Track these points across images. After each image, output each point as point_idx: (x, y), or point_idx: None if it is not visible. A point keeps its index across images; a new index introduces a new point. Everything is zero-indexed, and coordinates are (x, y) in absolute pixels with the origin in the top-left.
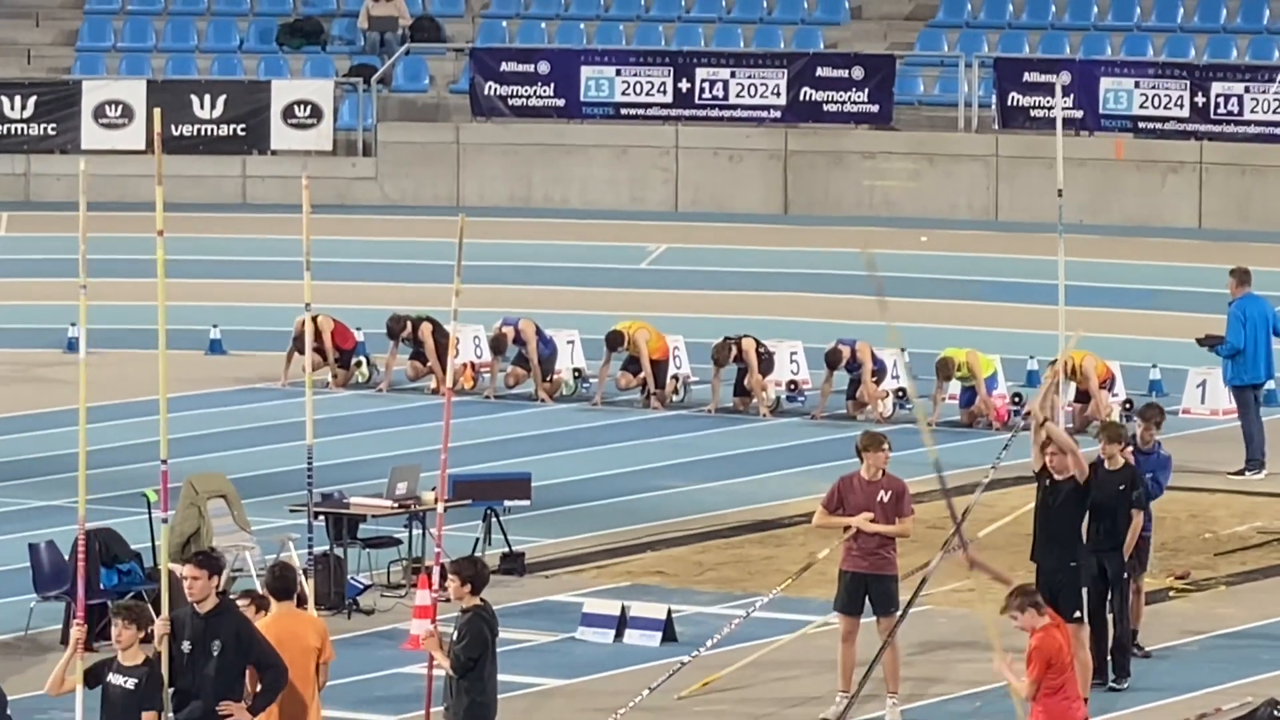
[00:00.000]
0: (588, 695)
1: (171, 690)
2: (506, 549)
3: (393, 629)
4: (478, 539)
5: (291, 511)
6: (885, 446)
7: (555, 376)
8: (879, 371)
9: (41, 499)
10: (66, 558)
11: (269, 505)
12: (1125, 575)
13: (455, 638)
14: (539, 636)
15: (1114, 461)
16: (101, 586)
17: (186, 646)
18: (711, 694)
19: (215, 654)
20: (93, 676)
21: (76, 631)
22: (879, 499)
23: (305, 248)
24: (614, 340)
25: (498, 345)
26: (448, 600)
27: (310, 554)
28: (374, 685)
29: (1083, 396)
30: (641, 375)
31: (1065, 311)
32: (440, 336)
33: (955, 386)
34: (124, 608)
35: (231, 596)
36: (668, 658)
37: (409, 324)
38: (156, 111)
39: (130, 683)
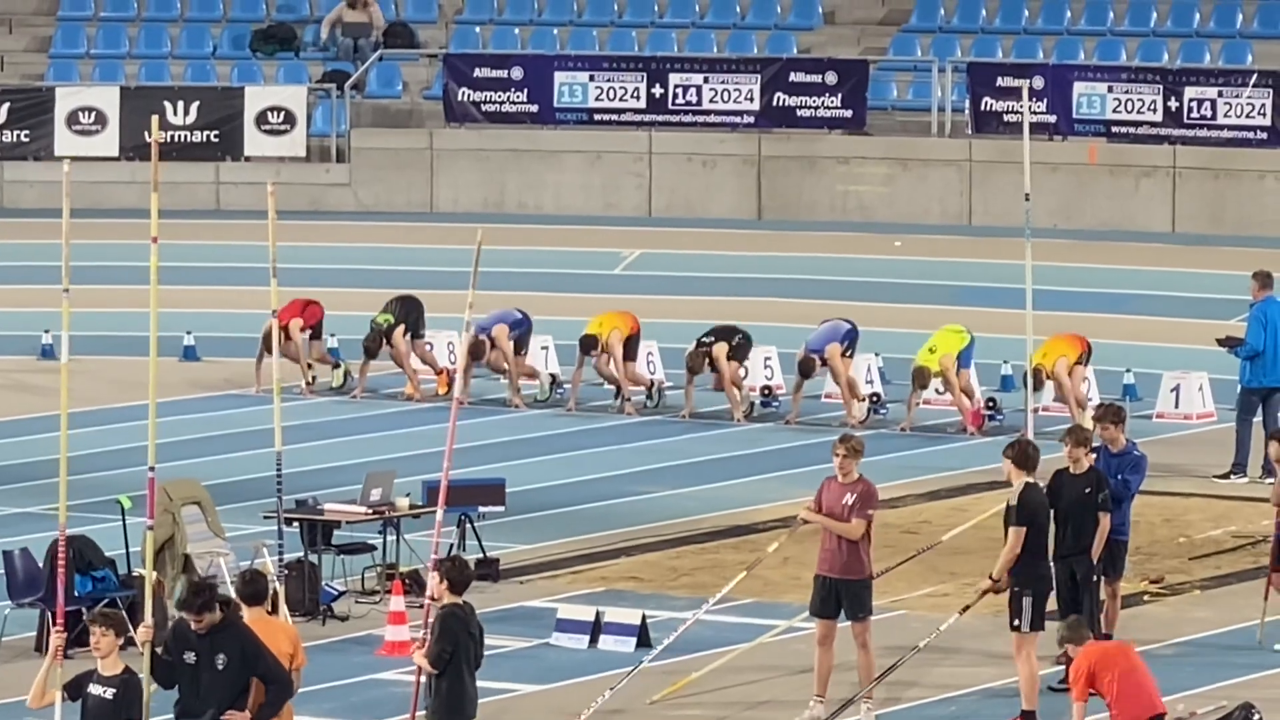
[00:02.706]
0: (562, 700)
1: (175, 702)
2: (481, 554)
3: (368, 635)
4: (452, 544)
5: (265, 518)
6: (840, 451)
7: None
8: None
9: (15, 506)
10: (40, 564)
11: (243, 512)
12: (1095, 578)
13: (431, 636)
14: (513, 642)
15: (1079, 465)
16: (76, 593)
17: (191, 658)
18: (684, 699)
19: (220, 667)
20: (74, 688)
21: (55, 639)
22: (844, 501)
23: (272, 254)
24: (587, 344)
25: (475, 351)
26: (435, 599)
27: (282, 560)
28: (349, 691)
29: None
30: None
31: (1034, 316)
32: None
33: (931, 394)
34: (102, 615)
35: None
36: (639, 664)
37: (383, 339)
38: (154, 119)
39: (109, 693)
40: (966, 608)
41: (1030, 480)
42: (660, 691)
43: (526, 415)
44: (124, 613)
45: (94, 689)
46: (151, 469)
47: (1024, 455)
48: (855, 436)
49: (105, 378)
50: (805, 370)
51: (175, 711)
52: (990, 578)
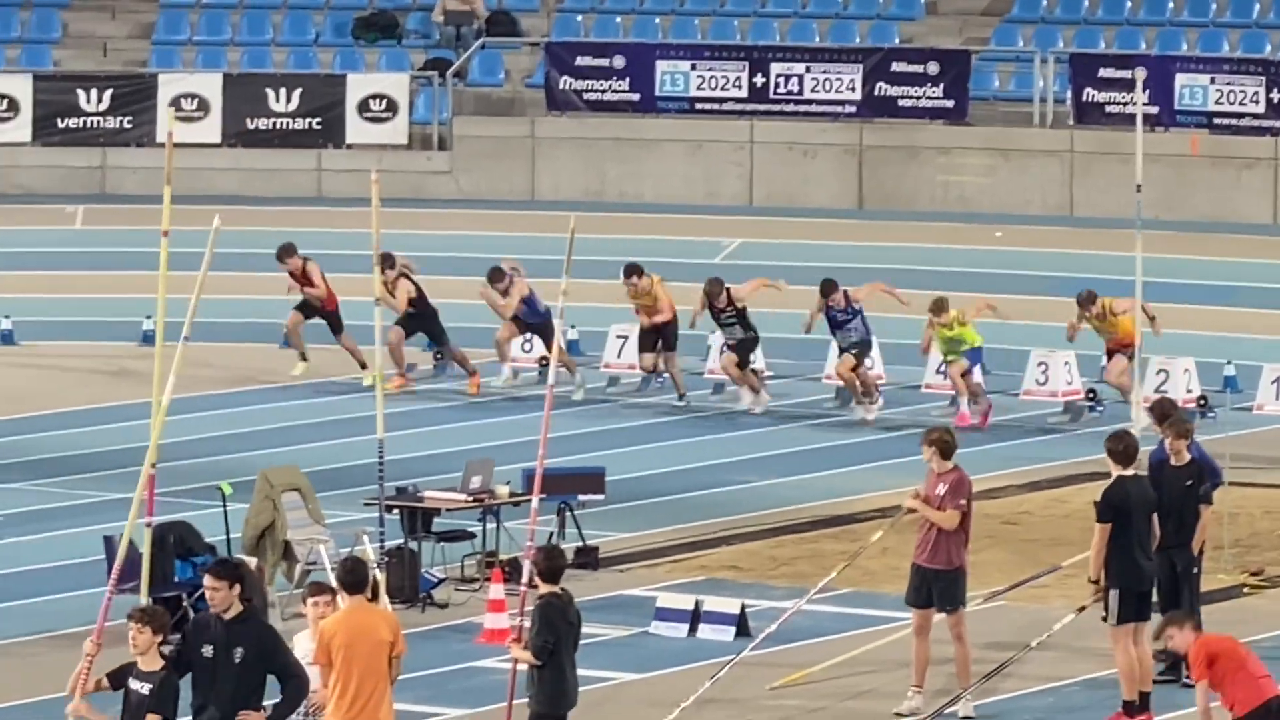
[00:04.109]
0: (661, 689)
1: (192, 695)
2: (580, 543)
3: (467, 623)
4: (551, 533)
5: (366, 505)
6: (923, 443)
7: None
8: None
9: (117, 491)
10: (140, 550)
11: (343, 499)
12: (1195, 571)
13: (531, 627)
14: (613, 631)
15: (1180, 457)
16: (176, 579)
17: (209, 651)
18: (784, 689)
19: (237, 661)
20: (116, 679)
21: (89, 646)
22: (937, 490)
23: (375, 242)
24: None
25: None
26: (534, 586)
27: (382, 547)
28: (447, 679)
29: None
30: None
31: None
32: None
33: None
34: (140, 611)
35: (300, 590)
36: (740, 653)
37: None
38: (170, 111)
39: (146, 688)
40: (1083, 608)
41: (1125, 474)
42: (774, 680)
43: (627, 405)
44: (163, 610)
45: (133, 683)
46: (153, 466)
47: (1117, 449)
48: (939, 429)
49: (205, 364)
50: (825, 290)
51: (193, 706)
52: (1090, 579)
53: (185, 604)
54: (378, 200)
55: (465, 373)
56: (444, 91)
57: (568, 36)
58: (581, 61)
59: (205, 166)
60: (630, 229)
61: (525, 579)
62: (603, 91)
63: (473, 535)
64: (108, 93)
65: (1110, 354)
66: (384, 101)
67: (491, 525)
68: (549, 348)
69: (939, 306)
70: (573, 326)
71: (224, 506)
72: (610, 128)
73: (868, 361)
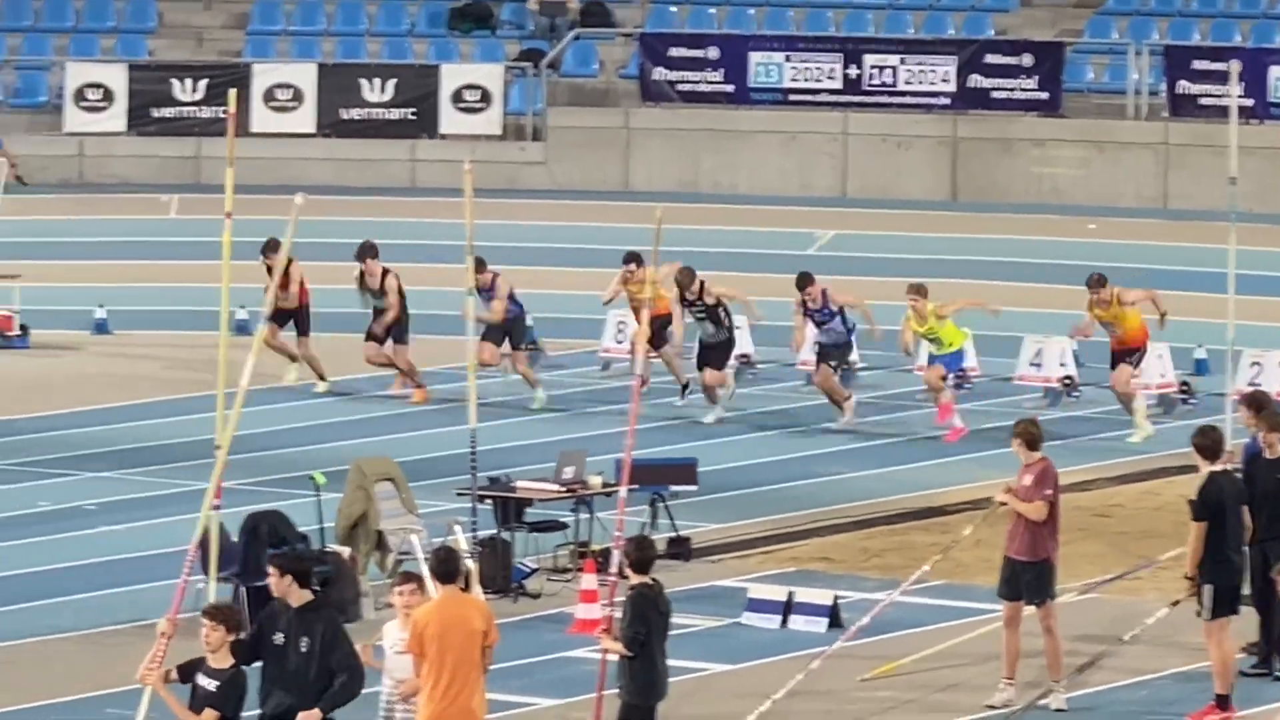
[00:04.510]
0: (752, 680)
1: (260, 683)
2: (673, 534)
3: (559, 613)
4: (644, 524)
5: (459, 495)
6: (1013, 434)
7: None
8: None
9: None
10: (236, 539)
11: (436, 488)
12: None
13: (622, 618)
14: (704, 621)
15: (1273, 450)
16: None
17: (279, 639)
18: (876, 681)
19: (303, 650)
20: (185, 672)
21: (164, 625)
22: (1024, 481)
23: (468, 232)
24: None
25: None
26: (625, 577)
27: (475, 537)
28: (540, 669)
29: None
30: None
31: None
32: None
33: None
34: (213, 609)
35: (391, 579)
36: (833, 644)
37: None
38: (232, 93)
39: (213, 685)
40: (1176, 602)
41: (1215, 469)
42: (866, 672)
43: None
44: (237, 608)
45: (201, 679)
46: (217, 446)
47: (1205, 444)
48: (1025, 421)
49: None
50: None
51: (260, 692)
52: (1185, 576)
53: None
54: (471, 191)
55: (413, 384)
56: (538, 82)
57: (662, 28)
58: (675, 52)
59: (299, 156)
60: (723, 220)
61: (615, 569)
62: (696, 83)
63: (565, 526)
64: (202, 83)
65: (1115, 356)
66: (478, 92)
67: (584, 516)
68: (515, 346)
69: (918, 289)
70: None
71: (317, 496)
72: (704, 119)
73: (853, 360)
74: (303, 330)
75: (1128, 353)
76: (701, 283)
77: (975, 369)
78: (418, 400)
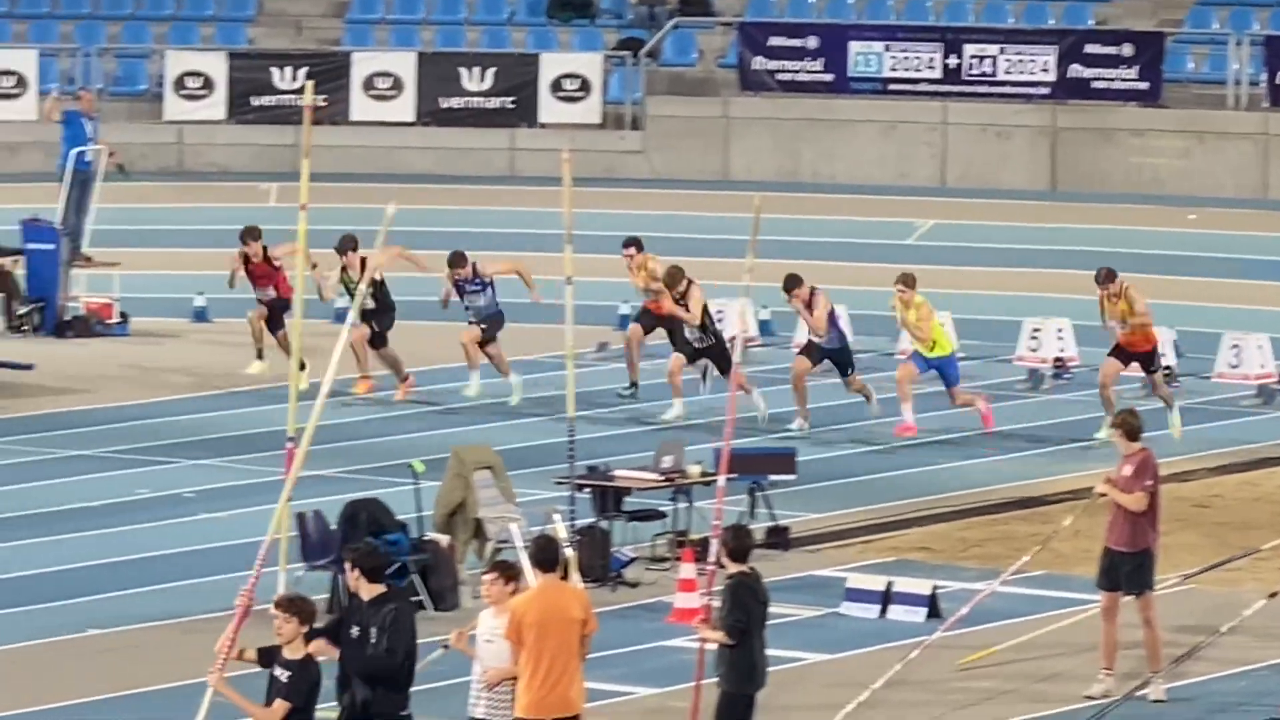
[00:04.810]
0: (851, 670)
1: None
2: (771, 523)
3: (657, 602)
4: (742, 513)
5: (557, 484)
6: (1112, 425)
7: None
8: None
9: (308, 469)
10: (334, 527)
11: (535, 477)
12: None
13: (721, 607)
14: (803, 611)
15: None
16: None
17: (355, 632)
18: (975, 671)
19: (373, 642)
20: (265, 656)
21: (242, 600)
22: (1123, 471)
23: (567, 221)
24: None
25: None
26: (722, 566)
27: (573, 526)
28: (638, 658)
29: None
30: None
31: None
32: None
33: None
34: (285, 600)
35: (480, 570)
36: (932, 634)
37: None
38: (309, 84)
39: (285, 675)
40: (1275, 594)
41: None
42: (963, 658)
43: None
44: (309, 600)
45: (275, 669)
46: (291, 439)
47: None
48: (1124, 411)
49: (401, 341)
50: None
51: (337, 683)
52: None
53: (412, 573)
54: (570, 180)
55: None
56: (637, 71)
57: (762, 17)
58: (775, 42)
59: (399, 145)
60: (823, 210)
61: (713, 558)
62: (796, 72)
63: (664, 515)
64: (302, 71)
65: (1125, 356)
66: (578, 81)
67: (683, 505)
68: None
69: (907, 280)
70: (764, 307)
71: (416, 484)
72: (803, 108)
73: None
74: (278, 323)
75: (1136, 350)
76: (689, 281)
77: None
78: (360, 391)
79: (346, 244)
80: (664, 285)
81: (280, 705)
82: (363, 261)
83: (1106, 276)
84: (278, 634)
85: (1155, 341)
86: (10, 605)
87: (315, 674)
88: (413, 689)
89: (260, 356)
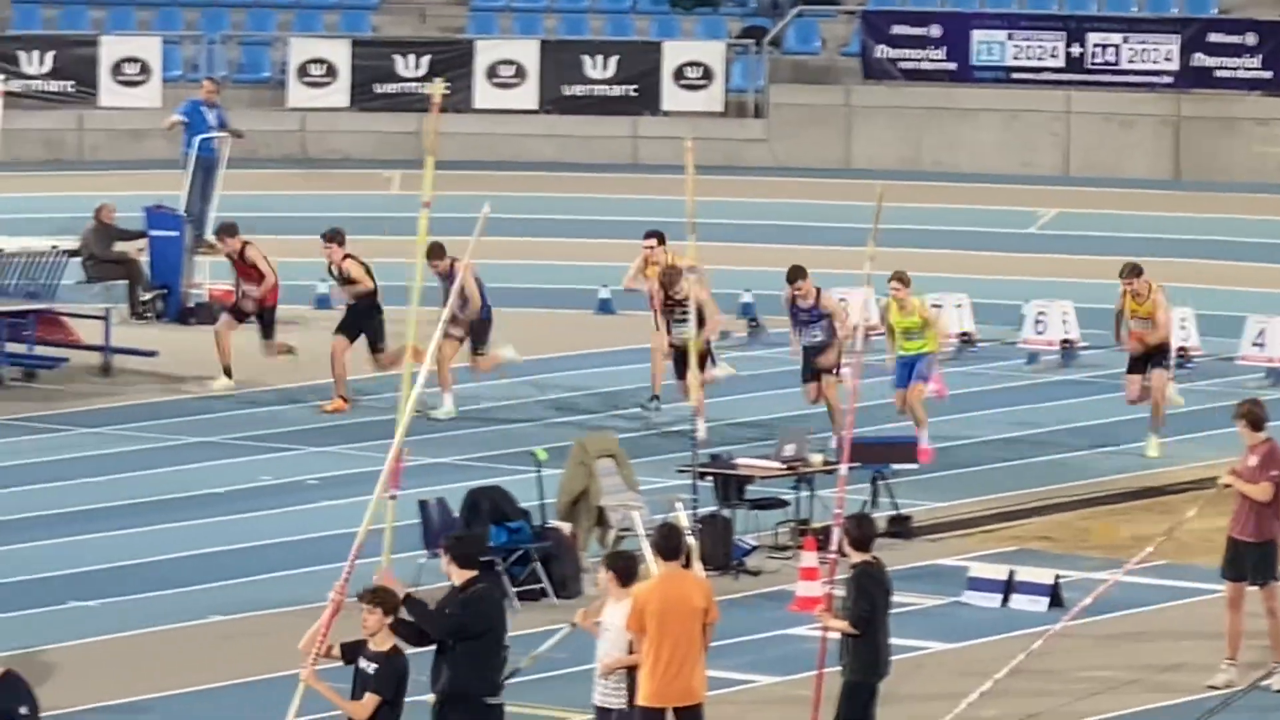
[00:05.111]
0: (974, 659)
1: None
2: (893, 512)
3: (780, 590)
4: (864, 502)
5: (679, 472)
6: (1237, 415)
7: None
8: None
9: (431, 456)
10: (456, 514)
11: (657, 466)
12: None
13: (846, 596)
14: (925, 600)
15: None
16: (491, 544)
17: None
18: (1097, 660)
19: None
20: (349, 652)
21: (336, 594)
22: (1249, 462)
23: (689, 209)
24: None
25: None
26: (844, 555)
27: (695, 514)
28: (761, 646)
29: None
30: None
31: None
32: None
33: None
34: (369, 592)
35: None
36: (1055, 623)
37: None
38: (437, 82)
39: (371, 668)
40: None
41: None
42: (1088, 651)
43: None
44: (393, 591)
45: (361, 662)
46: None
47: None
48: (1248, 401)
49: (518, 329)
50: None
51: (432, 673)
52: None
53: (499, 568)
54: (692, 167)
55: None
56: (760, 59)
57: (884, 5)
58: (897, 30)
59: (522, 133)
60: (945, 198)
61: (835, 547)
62: (918, 60)
63: (786, 503)
64: (425, 59)
65: (1134, 363)
66: (700, 69)
67: (805, 493)
68: (476, 349)
69: (902, 278)
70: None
71: (538, 472)
72: (926, 97)
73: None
74: (268, 331)
75: (1150, 348)
76: (685, 283)
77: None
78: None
79: (329, 236)
80: (660, 285)
81: (370, 699)
82: (453, 263)
83: (1131, 271)
84: (364, 625)
85: (1168, 336)
86: (136, 591)
87: (402, 665)
88: (528, 678)
89: (228, 374)
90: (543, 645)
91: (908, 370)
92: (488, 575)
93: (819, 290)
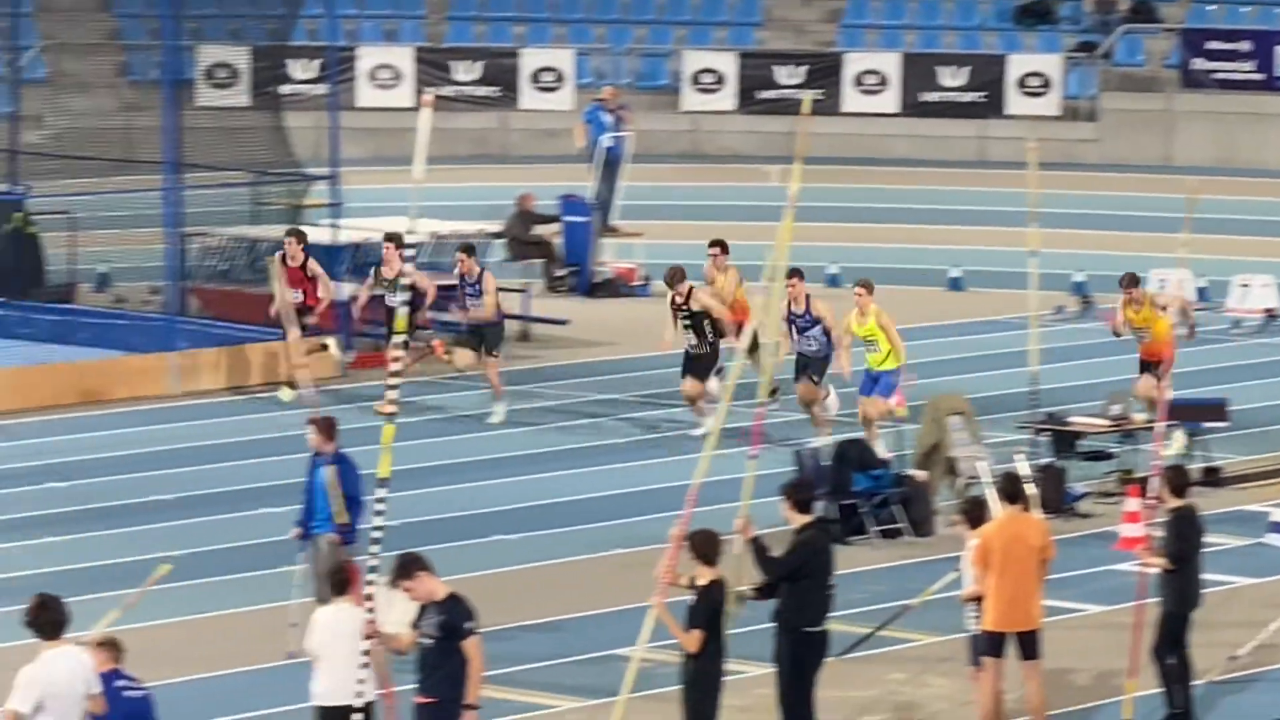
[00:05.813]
0: (1276, 592)
1: None
2: (1206, 464)
3: (1105, 531)
4: (1180, 455)
5: (1019, 428)
6: None
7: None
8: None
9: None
10: (826, 463)
11: (1001, 423)
12: None
13: (1163, 536)
14: (1232, 540)
15: None
16: (853, 489)
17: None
18: None
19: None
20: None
21: (676, 532)
22: None
23: (1032, 201)
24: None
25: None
26: (1162, 501)
27: (1035, 465)
28: (1089, 579)
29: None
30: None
31: None
32: None
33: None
34: (688, 537)
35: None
36: None
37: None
38: (808, 95)
39: (691, 601)
40: None
41: None
42: None
43: (1247, 344)
44: (709, 536)
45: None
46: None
47: None
48: None
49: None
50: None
51: None
52: None
53: (861, 510)
54: (1035, 166)
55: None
56: (1093, 70)
57: (1201, 23)
58: (1212, 45)
59: (883, 133)
60: (1255, 192)
61: (1154, 494)
62: (1230, 71)
63: (1112, 456)
64: (802, 69)
65: (1143, 364)
66: (1040, 78)
67: (1129, 448)
68: (490, 351)
69: (867, 285)
70: (1202, 275)
71: (896, 427)
72: (1237, 103)
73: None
74: (303, 327)
75: (1154, 359)
76: (690, 287)
77: None
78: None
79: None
80: (665, 284)
81: (696, 633)
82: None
83: (1130, 281)
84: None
85: (1172, 351)
86: (554, 526)
87: (716, 598)
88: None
89: (292, 385)
90: (929, 587)
91: (872, 382)
92: (819, 519)
93: (809, 297)
